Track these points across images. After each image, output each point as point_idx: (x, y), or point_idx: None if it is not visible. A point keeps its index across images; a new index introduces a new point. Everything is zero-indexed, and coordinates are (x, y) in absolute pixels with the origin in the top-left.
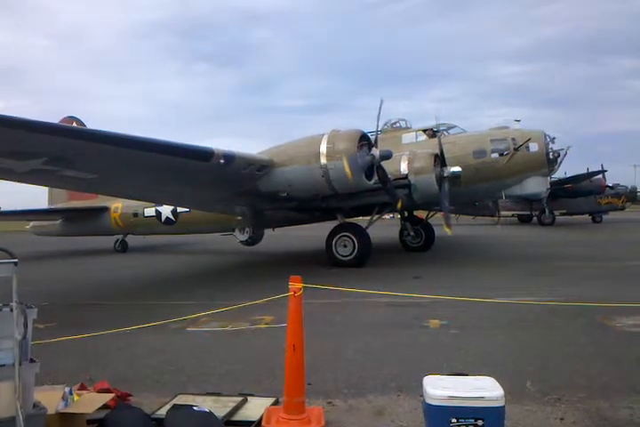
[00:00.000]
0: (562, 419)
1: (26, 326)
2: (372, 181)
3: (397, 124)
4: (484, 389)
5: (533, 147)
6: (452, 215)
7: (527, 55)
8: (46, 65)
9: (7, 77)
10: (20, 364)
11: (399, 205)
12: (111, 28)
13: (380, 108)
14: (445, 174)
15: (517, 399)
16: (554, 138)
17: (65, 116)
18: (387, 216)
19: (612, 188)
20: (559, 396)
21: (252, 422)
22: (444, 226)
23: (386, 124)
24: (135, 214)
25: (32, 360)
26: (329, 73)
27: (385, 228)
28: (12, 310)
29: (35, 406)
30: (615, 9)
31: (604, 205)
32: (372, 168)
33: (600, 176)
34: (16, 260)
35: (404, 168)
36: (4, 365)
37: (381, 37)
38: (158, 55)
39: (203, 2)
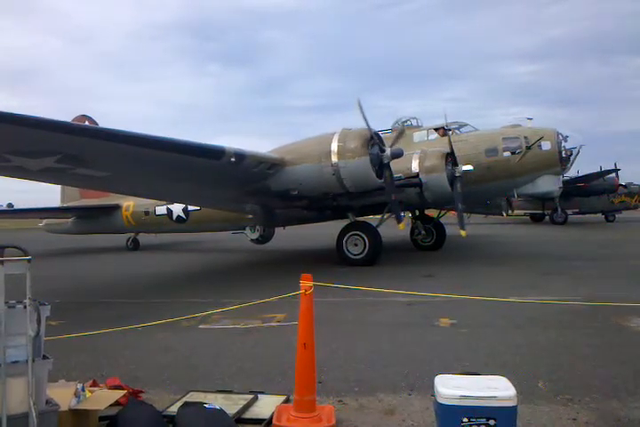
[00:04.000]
0: (574, 419)
1: (39, 322)
2: (383, 180)
3: (409, 123)
4: (496, 388)
5: (546, 145)
6: (464, 214)
7: (537, 54)
8: (59, 65)
9: (21, 77)
10: (33, 360)
11: (401, 226)
12: (123, 28)
13: (362, 109)
14: (457, 173)
15: (529, 399)
16: (567, 136)
17: (77, 114)
18: None
19: (625, 186)
20: (572, 396)
21: (263, 419)
22: (460, 230)
23: (397, 123)
24: (146, 213)
25: (45, 357)
26: (339, 73)
27: (396, 226)
28: (25, 307)
29: (47, 402)
30: (627, 8)
31: (616, 204)
32: (383, 167)
33: (613, 175)
34: (29, 257)
35: (415, 167)
36: (17, 361)
37: (391, 37)
38: (170, 56)
39: (213, 2)
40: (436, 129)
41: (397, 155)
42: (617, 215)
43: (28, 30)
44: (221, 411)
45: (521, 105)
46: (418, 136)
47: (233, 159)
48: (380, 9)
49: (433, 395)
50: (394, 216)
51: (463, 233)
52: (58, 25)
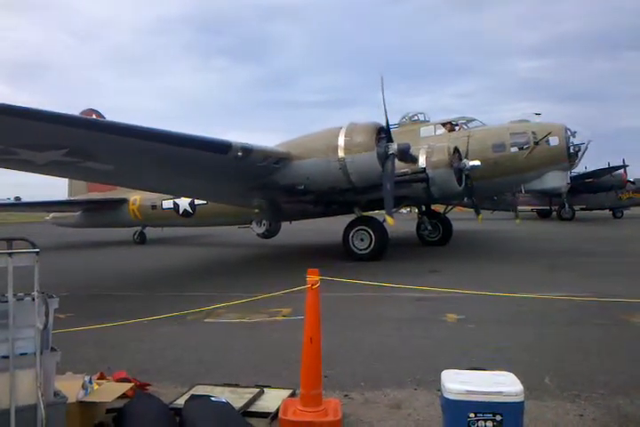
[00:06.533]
0: (581, 415)
1: (47, 315)
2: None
3: (416, 118)
4: (502, 384)
5: (554, 141)
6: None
7: (545, 50)
8: (68, 61)
9: (27, 72)
10: (41, 353)
11: (390, 220)
12: (128, 23)
13: (383, 87)
14: (465, 169)
15: (536, 395)
16: (575, 132)
17: (85, 108)
18: (403, 210)
19: (633, 182)
20: (578, 392)
21: (269, 413)
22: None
23: (404, 118)
24: (153, 206)
25: (53, 349)
26: (347, 68)
27: (402, 222)
28: (33, 300)
29: (55, 394)
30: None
31: (624, 201)
32: (387, 159)
33: (621, 171)
34: (38, 250)
35: (422, 162)
36: (25, 353)
37: (399, 33)
38: (177, 50)
39: None
40: (444, 124)
41: (405, 150)
42: (625, 211)
43: (32, 26)
44: (228, 404)
45: (529, 100)
46: (425, 131)
47: (240, 153)
48: (388, 5)
49: (439, 390)
50: (397, 211)
51: (479, 218)
52: (63, 20)
